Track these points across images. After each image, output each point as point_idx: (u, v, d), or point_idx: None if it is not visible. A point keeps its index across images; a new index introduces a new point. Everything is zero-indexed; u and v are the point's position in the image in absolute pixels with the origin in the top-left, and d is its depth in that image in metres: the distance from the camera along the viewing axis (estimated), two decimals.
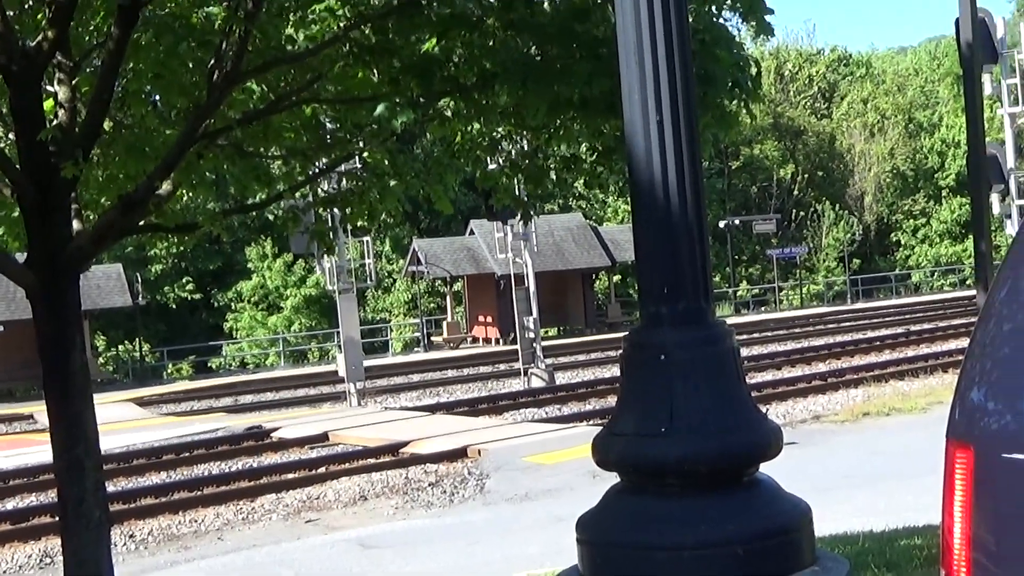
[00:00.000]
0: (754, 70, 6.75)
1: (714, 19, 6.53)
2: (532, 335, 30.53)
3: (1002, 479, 3.19)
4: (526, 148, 8.15)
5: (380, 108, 6.30)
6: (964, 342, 27.81)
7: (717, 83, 6.35)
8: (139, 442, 23.59)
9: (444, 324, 51.71)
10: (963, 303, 43.53)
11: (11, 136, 6.74)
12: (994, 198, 23.66)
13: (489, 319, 48.92)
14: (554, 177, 8.13)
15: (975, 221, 15.68)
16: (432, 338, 51.15)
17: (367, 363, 32.40)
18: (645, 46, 3.75)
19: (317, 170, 7.95)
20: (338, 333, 34.50)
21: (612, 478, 3.90)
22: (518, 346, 30.84)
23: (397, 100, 6.35)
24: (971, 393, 3.38)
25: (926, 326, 38.53)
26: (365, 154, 7.78)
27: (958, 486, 3.27)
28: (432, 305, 59.23)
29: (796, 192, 68.46)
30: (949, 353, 28.44)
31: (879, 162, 70.12)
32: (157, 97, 7.12)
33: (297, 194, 8.07)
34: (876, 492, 13.12)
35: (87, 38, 6.87)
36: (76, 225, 6.66)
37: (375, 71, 6.73)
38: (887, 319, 42.91)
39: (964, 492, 3.25)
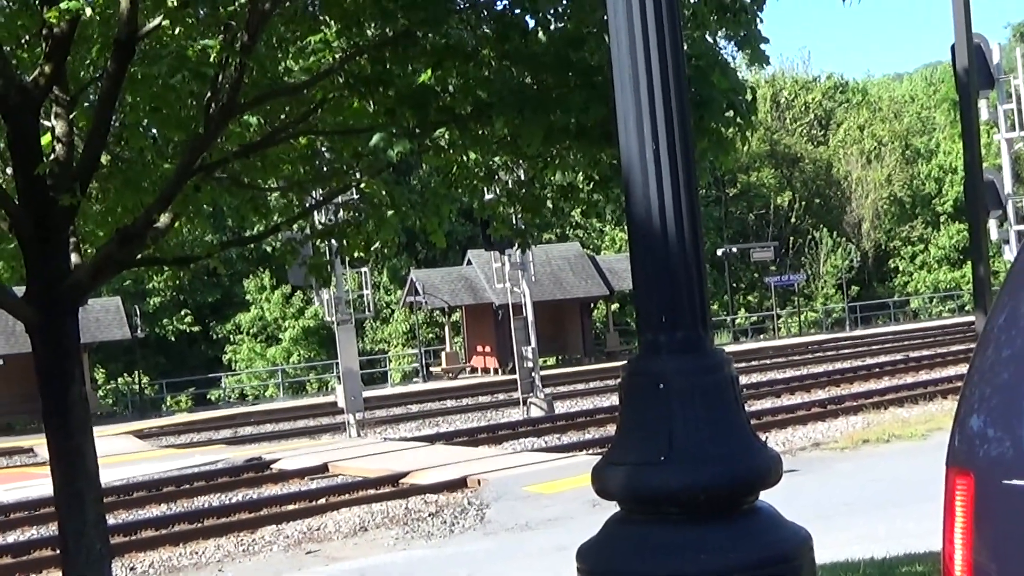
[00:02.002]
0: (749, 95, 6.78)
1: (709, 44, 6.56)
2: (531, 364, 30.49)
3: (1002, 505, 3.18)
4: (523, 177, 8.17)
5: (376, 138, 6.31)
6: (963, 368, 27.75)
7: (713, 107, 6.37)
8: (139, 474, 23.54)
9: (443, 354, 51.66)
10: (962, 329, 43.50)
11: (9, 170, 6.75)
12: (992, 224, 23.69)
13: (487, 349, 48.88)
14: (551, 206, 8.15)
15: (973, 247, 15.68)
16: (431, 368, 51.10)
17: (366, 394, 32.36)
18: (640, 73, 3.75)
19: (314, 201, 7.97)
20: (337, 364, 34.45)
21: (612, 507, 3.89)
22: (517, 376, 30.80)
23: (393, 130, 6.37)
24: (971, 420, 3.38)
25: (925, 352, 38.50)
26: (362, 185, 7.79)
27: (958, 512, 3.26)
28: (430, 335, 59.19)
29: (793, 219, 68.53)
30: (948, 380, 28.41)
31: (876, 189, 70.21)
32: (154, 130, 7.14)
33: (295, 226, 8.09)
34: (876, 519, 13.07)
35: (84, 72, 6.89)
36: (74, 258, 6.67)
37: (371, 102, 6.75)
38: (886, 346, 42.87)
39: (964, 518, 3.25)
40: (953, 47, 15.06)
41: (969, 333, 42.16)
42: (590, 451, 22.14)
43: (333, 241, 8.39)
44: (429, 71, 6.58)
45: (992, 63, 22.62)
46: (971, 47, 15.12)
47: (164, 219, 6.71)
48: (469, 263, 49.75)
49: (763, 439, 3.91)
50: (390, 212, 7.68)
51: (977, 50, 17.45)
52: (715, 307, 58.96)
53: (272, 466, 23.55)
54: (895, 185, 70.99)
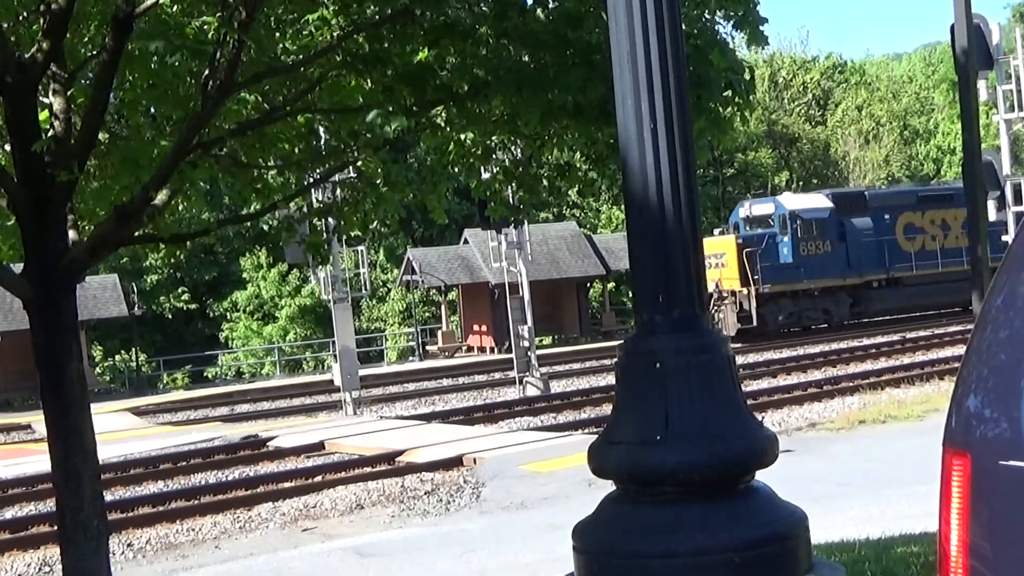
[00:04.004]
0: (748, 75, 6.77)
1: (707, 23, 6.55)
2: (527, 344, 30.52)
3: (999, 486, 3.19)
4: (520, 156, 8.17)
5: (372, 114, 6.30)
6: (960, 349, 27.84)
7: (711, 86, 6.37)
8: (136, 451, 23.57)
9: (439, 333, 51.69)
10: (959, 310, 43.53)
11: (7, 147, 6.74)
12: (990, 204, 23.68)
13: (484, 328, 48.90)
14: (548, 185, 8.15)
15: (971, 228, 15.70)
16: (427, 347, 51.13)
17: (362, 372, 32.36)
18: (639, 52, 3.75)
19: (312, 180, 7.96)
20: (333, 342, 34.49)
21: (608, 486, 3.90)
22: (513, 355, 30.83)
23: (390, 108, 6.36)
24: (968, 400, 3.38)
25: (922, 333, 38.55)
26: (359, 163, 7.79)
27: (955, 493, 3.27)
28: (427, 314, 59.19)
29: None
30: (945, 360, 28.44)
31: (874, 169, 70.21)
32: (152, 108, 7.13)
33: (292, 204, 8.08)
34: (872, 499, 13.11)
35: (82, 49, 6.88)
36: (72, 236, 6.66)
37: (368, 80, 6.74)
38: (883, 326, 42.93)
39: (961, 499, 3.25)
40: (953, 27, 15.05)
41: (966, 314, 42.21)
42: (586, 430, 22.17)
43: (330, 219, 8.40)
44: (427, 49, 6.57)
45: (991, 43, 22.58)
46: (971, 27, 15.11)
47: (161, 196, 6.70)
48: (466, 242, 49.73)
49: (759, 419, 3.91)
50: (386, 190, 7.68)
51: (977, 30, 17.43)
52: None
53: (269, 444, 23.59)
54: (893, 165, 71.01)
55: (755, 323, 40.62)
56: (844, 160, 71.84)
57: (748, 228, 42.68)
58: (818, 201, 43.06)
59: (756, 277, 40.37)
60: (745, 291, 40.55)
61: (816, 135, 72.46)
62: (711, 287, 40.83)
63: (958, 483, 3.26)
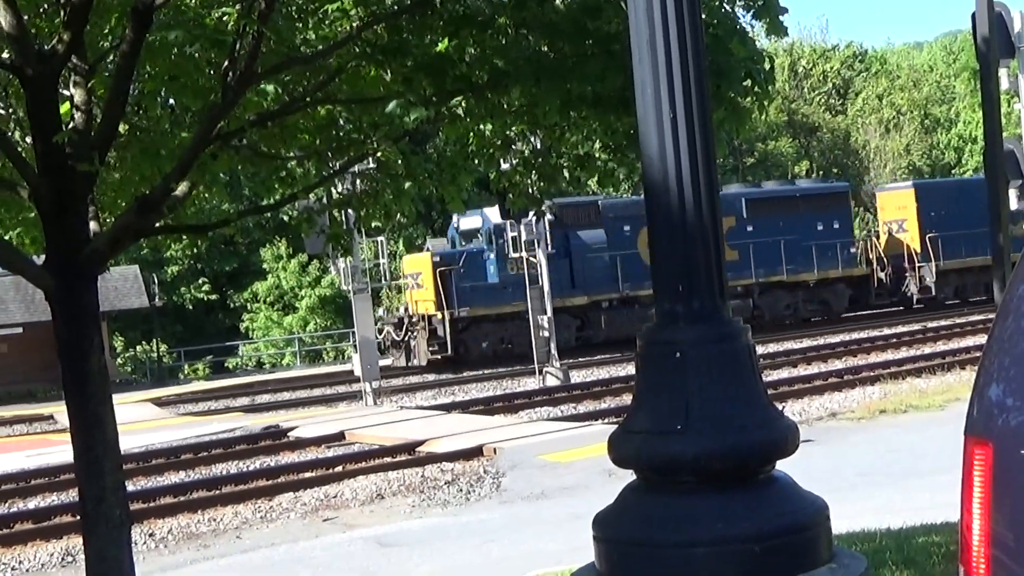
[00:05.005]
0: (767, 65, 6.75)
1: (726, 12, 6.52)
2: (547, 334, 30.52)
3: (1021, 475, 3.18)
4: (539, 147, 8.16)
5: (392, 104, 6.31)
6: (982, 339, 27.72)
7: (730, 76, 6.36)
8: (158, 442, 23.67)
9: None
10: (980, 300, 43.35)
11: (28, 139, 6.77)
12: (1012, 193, 23.54)
13: None
14: (567, 175, 8.14)
15: (992, 217, 15.63)
16: None
17: (382, 362, 32.42)
18: (658, 41, 3.74)
19: (332, 171, 7.97)
20: (353, 333, 34.50)
21: (628, 476, 3.90)
22: (533, 345, 30.84)
23: (410, 99, 6.36)
24: (989, 389, 3.38)
25: (943, 323, 38.40)
26: (379, 154, 7.79)
27: (976, 483, 3.26)
28: None
29: None
30: (967, 350, 28.33)
31: (895, 158, 69.90)
32: (172, 99, 7.14)
33: (311, 195, 8.09)
34: (893, 489, 13.08)
35: (102, 41, 6.89)
36: (93, 227, 6.69)
37: (388, 71, 6.74)
38: (904, 316, 42.79)
39: (983, 488, 3.25)
40: (974, 15, 14.97)
41: (988, 303, 42.03)
42: (606, 420, 22.17)
43: (351, 211, 8.41)
44: (446, 40, 6.57)
45: (1013, 31, 22.40)
46: (992, 15, 15.03)
47: (182, 187, 6.72)
48: None
49: (780, 409, 3.91)
50: (407, 183, 7.69)
51: (998, 18, 17.34)
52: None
53: (289, 434, 23.66)
54: (914, 155, 70.67)
55: (451, 352, 36.21)
56: (864, 149, 71.55)
57: (463, 243, 38.26)
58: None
59: (451, 300, 36.19)
60: (440, 315, 36.17)
61: (836, 124, 72.18)
62: (401, 311, 38.43)
63: (980, 472, 3.26)
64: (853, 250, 43.92)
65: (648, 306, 35.29)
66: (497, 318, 36.80)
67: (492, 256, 36.96)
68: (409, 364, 37.27)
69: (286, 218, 9.16)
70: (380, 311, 39.92)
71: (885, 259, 44.21)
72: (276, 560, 13.33)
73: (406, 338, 37.30)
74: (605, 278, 37.95)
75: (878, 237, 45.92)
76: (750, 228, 40.74)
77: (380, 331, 37.09)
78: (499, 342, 37.17)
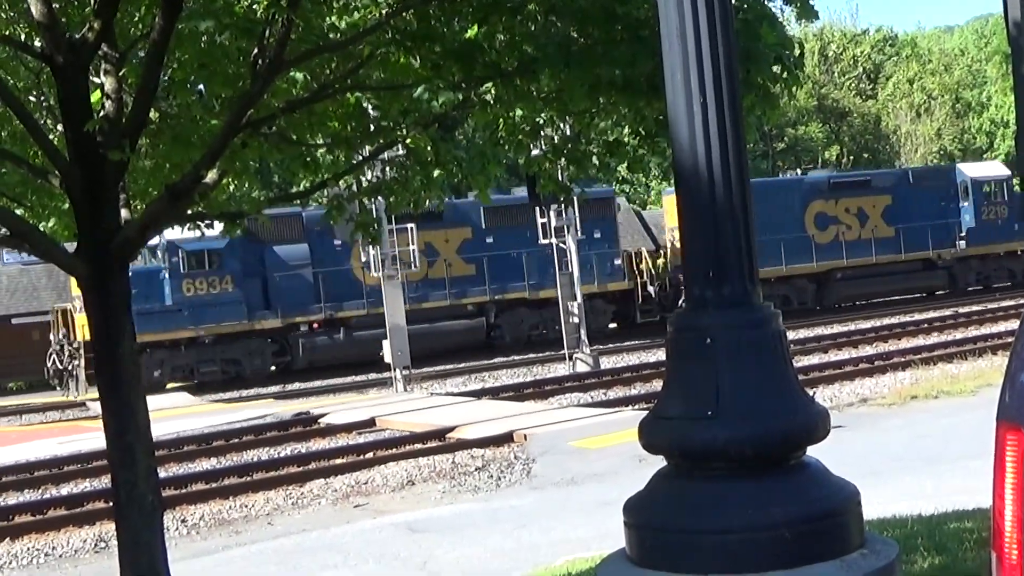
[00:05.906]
0: (797, 51, 6.73)
1: None
2: (577, 320, 30.52)
3: None
4: (568, 133, 8.16)
5: (420, 89, 6.32)
6: (1014, 324, 27.51)
7: (760, 61, 6.34)
8: (189, 428, 23.80)
9: None
10: (1012, 285, 43.08)
11: (59, 127, 6.81)
12: None
13: None
14: (596, 161, 8.13)
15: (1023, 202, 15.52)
16: None
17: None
18: (688, 26, 3.73)
19: (361, 158, 7.98)
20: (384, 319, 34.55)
21: (658, 462, 3.90)
22: (563, 331, 30.84)
23: (439, 84, 6.37)
24: (1022, 375, 3.35)
25: (974, 308, 38.17)
26: (408, 141, 7.80)
27: (1009, 468, 3.24)
28: None
29: None
30: (999, 335, 28.16)
31: (926, 143, 69.54)
32: (202, 87, 7.17)
33: (341, 183, 8.11)
34: (924, 475, 13.03)
35: (132, 29, 6.92)
36: (124, 215, 6.73)
37: (417, 57, 6.75)
38: (935, 301, 42.55)
39: (1015, 474, 3.23)
40: None
41: (1020, 288, 41.76)
42: (636, 406, 22.17)
43: (380, 198, 8.42)
44: (475, 26, 6.57)
45: None
46: None
47: (212, 175, 6.75)
48: None
49: (811, 394, 3.90)
50: (436, 172, 7.70)
51: None
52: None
53: (320, 420, 23.75)
54: (945, 139, 70.28)
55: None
56: (895, 134, 71.17)
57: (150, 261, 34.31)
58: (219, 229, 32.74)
59: None
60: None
61: (867, 109, 71.85)
62: (61, 336, 34.14)
63: (1012, 458, 3.24)
64: (618, 262, 39.21)
65: (354, 328, 34.72)
66: (172, 344, 33.35)
67: (167, 276, 33.62)
68: (69, 396, 33.99)
69: (315, 205, 9.18)
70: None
71: (659, 271, 39.95)
72: (307, 546, 13.40)
73: (68, 367, 34.02)
74: (307, 299, 34.70)
75: (656, 249, 41.81)
76: (489, 240, 36.95)
77: (49, 356, 34.72)
78: (180, 370, 33.89)
